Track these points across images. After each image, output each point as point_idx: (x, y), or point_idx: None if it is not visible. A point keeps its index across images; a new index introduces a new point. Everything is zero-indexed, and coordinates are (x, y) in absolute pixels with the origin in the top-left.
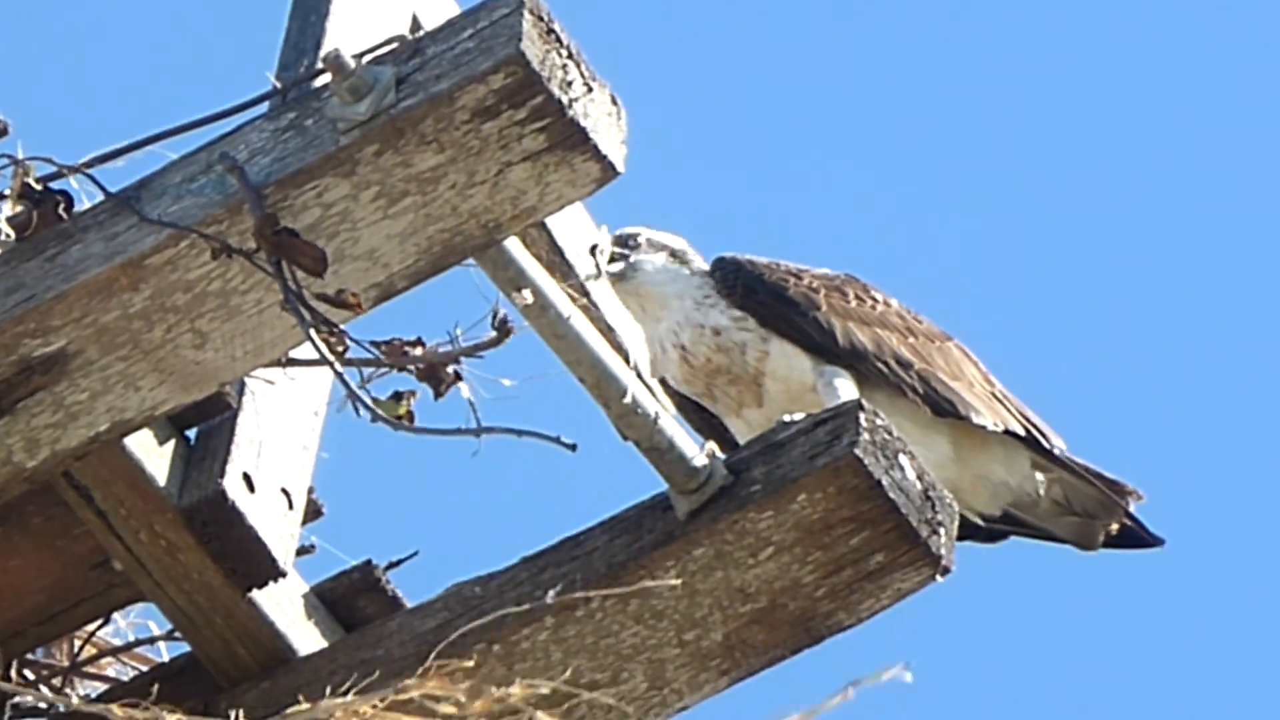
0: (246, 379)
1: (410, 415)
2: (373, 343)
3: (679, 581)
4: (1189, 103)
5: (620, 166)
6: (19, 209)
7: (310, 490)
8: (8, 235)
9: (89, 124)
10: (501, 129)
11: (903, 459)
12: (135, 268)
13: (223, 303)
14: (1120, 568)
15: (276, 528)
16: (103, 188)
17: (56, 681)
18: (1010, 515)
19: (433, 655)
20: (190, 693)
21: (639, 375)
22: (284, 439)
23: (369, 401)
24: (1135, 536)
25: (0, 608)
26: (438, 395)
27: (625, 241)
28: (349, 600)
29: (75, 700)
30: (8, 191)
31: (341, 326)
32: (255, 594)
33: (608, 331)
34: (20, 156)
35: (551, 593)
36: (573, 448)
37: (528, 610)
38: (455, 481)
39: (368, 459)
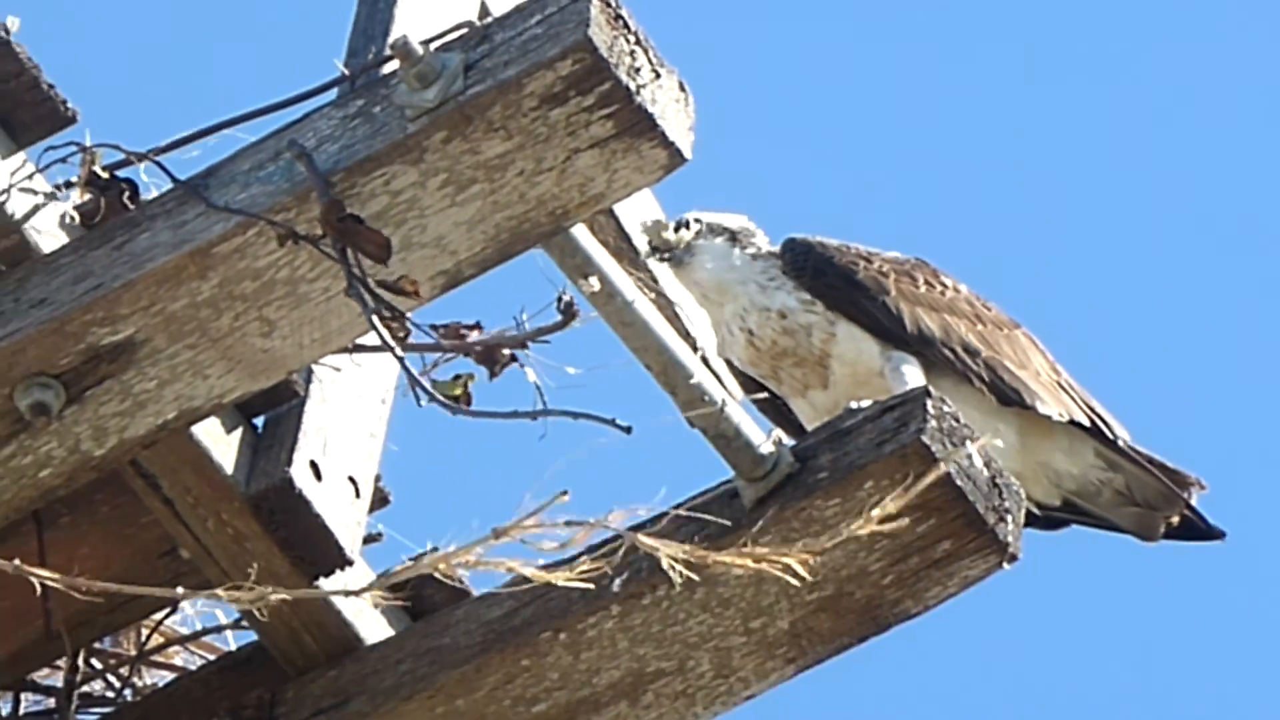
0: (314, 367)
1: (468, 397)
2: (432, 326)
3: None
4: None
5: (688, 153)
6: (87, 197)
7: (377, 478)
8: (76, 222)
9: (157, 111)
10: (569, 115)
11: (970, 446)
12: (203, 256)
13: (290, 290)
14: (1182, 560)
15: (343, 516)
16: (171, 175)
17: (124, 670)
18: (1072, 504)
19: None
20: (257, 681)
21: (705, 362)
22: (351, 427)
23: (427, 385)
24: (1196, 529)
25: (68, 596)
26: (492, 375)
27: (682, 226)
28: (416, 588)
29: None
30: (75, 179)
31: (404, 312)
32: (322, 582)
33: (675, 319)
34: (88, 144)
35: (618, 580)
36: (628, 430)
37: (595, 598)
38: (521, 469)
39: (435, 447)
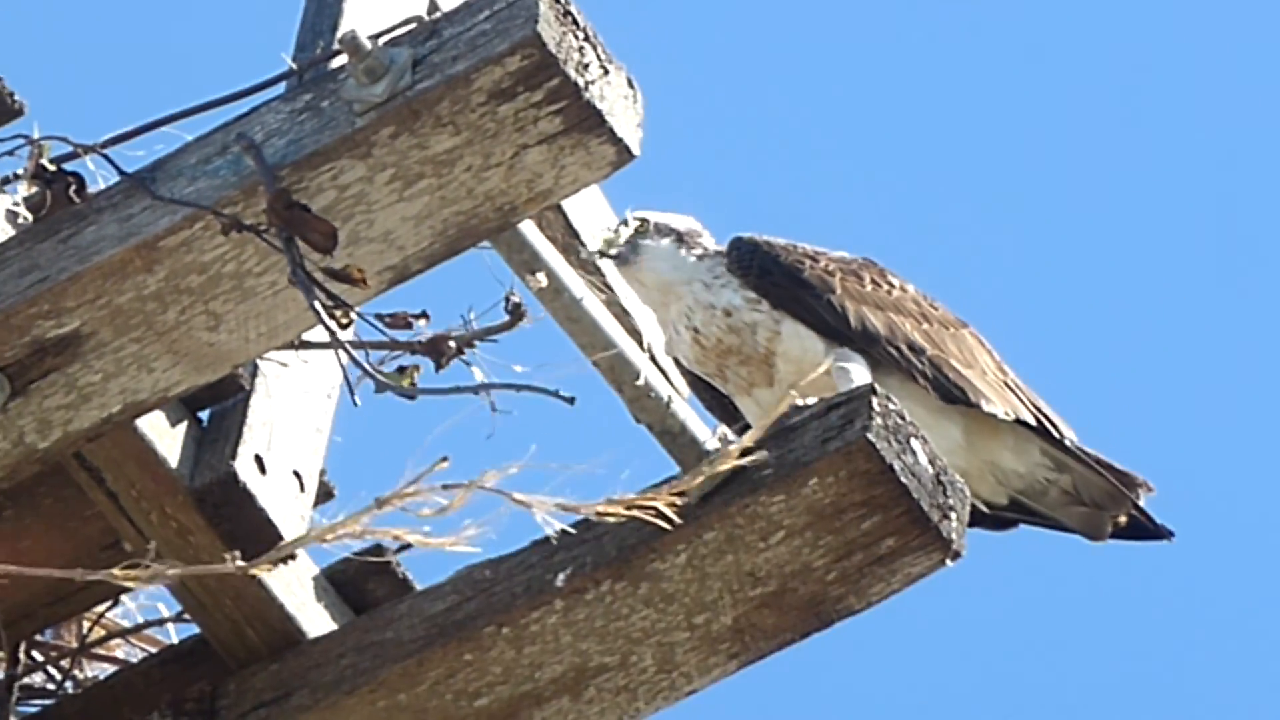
0: (259, 361)
1: (414, 390)
2: (378, 315)
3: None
4: (1204, 92)
5: (636, 149)
6: (33, 190)
7: (322, 473)
8: (23, 217)
9: (104, 105)
10: (518, 111)
11: (915, 443)
12: (150, 249)
13: (237, 284)
14: (1128, 559)
15: (288, 510)
16: (118, 168)
17: (65, 663)
18: (1019, 503)
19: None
20: (199, 674)
21: (652, 359)
22: (296, 421)
23: (376, 371)
24: (1144, 529)
25: (10, 588)
26: (439, 367)
27: (622, 224)
28: (359, 583)
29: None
30: (22, 172)
31: (348, 303)
32: (265, 576)
33: (623, 315)
34: (36, 137)
35: (562, 576)
36: (571, 401)
37: (539, 592)
38: (465, 465)
39: (379, 441)
